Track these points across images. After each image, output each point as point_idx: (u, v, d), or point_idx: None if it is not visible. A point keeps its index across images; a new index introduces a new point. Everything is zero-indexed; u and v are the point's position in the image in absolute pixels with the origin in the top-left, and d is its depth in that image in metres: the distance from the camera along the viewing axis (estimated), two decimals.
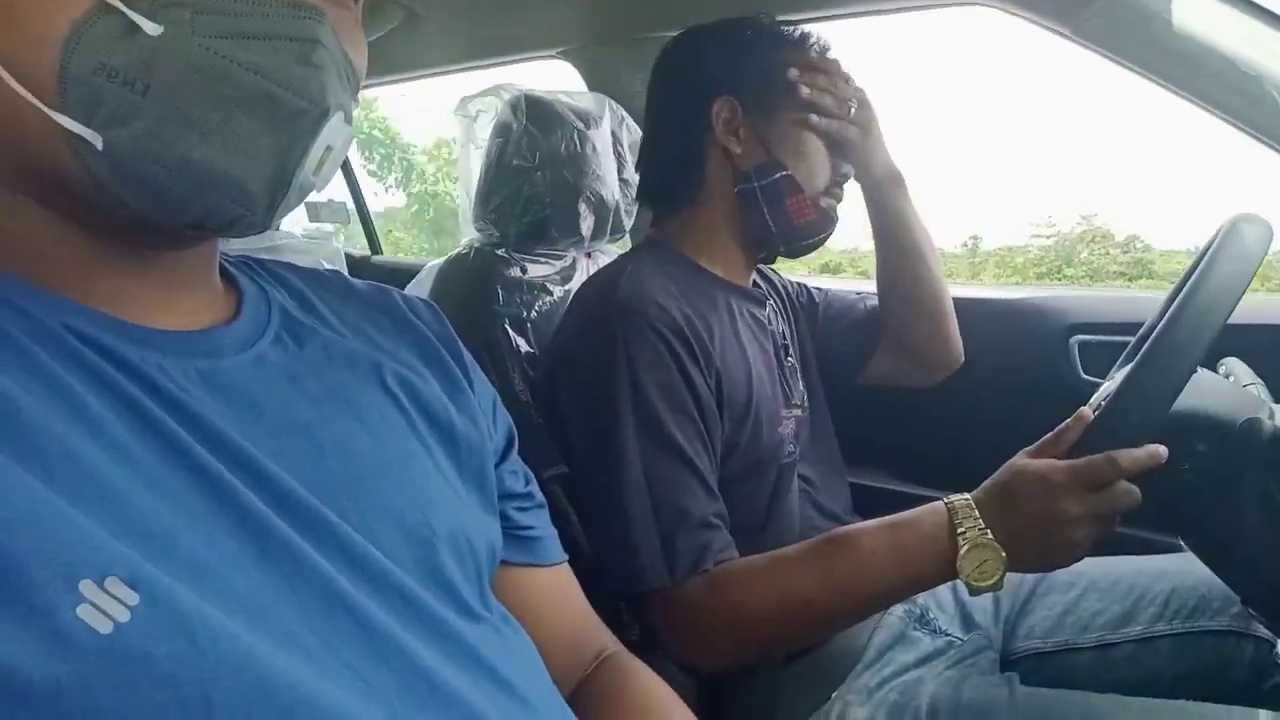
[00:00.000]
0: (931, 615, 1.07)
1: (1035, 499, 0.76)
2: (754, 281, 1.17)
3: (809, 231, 1.08)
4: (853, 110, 1.08)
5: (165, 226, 0.45)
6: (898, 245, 1.20)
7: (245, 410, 0.47)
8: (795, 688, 0.97)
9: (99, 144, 0.40)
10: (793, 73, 1.05)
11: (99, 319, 0.44)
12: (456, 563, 0.54)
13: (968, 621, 1.07)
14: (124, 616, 0.35)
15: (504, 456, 0.67)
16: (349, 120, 0.48)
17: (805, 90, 1.04)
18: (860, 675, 0.97)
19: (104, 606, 0.35)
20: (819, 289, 1.31)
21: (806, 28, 1.09)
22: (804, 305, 1.28)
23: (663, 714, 0.65)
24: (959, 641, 1.04)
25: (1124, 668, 1.00)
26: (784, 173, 1.04)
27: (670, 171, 1.12)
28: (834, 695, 0.95)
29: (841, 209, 1.12)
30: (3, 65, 0.40)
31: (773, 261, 1.21)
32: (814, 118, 1.05)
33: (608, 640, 0.74)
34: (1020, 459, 0.81)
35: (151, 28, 0.40)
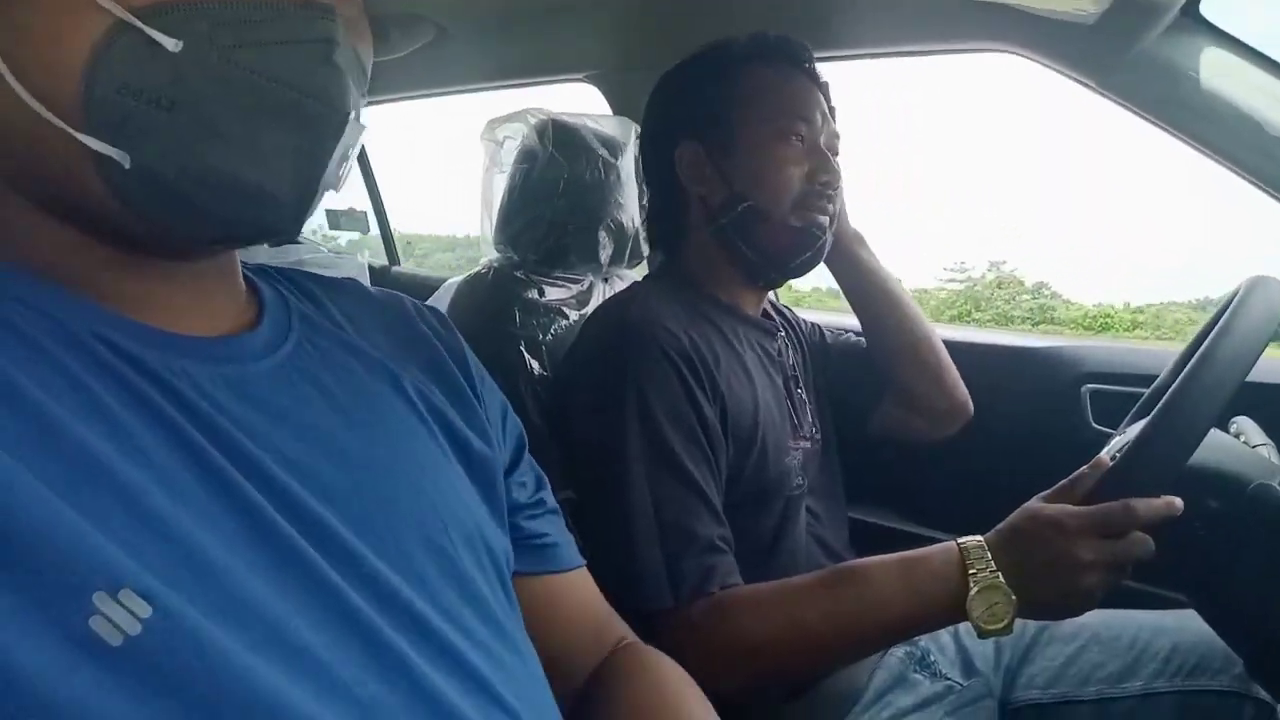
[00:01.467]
0: (932, 658, 1.06)
1: (1049, 543, 0.76)
2: (766, 312, 1.17)
3: (791, 254, 1.08)
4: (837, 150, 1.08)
5: (194, 239, 0.46)
6: (874, 299, 1.20)
7: (269, 417, 0.48)
8: None
9: (126, 163, 0.41)
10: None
11: (126, 325, 0.45)
12: (478, 569, 0.54)
13: (968, 667, 1.07)
14: (135, 629, 0.36)
15: (514, 465, 0.67)
16: (359, 118, 0.48)
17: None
18: (859, 717, 0.97)
19: (116, 618, 0.35)
20: (832, 331, 1.31)
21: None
22: (816, 345, 1.28)
23: (679, 695, 0.64)
24: (959, 687, 1.03)
25: None
26: (745, 204, 1.04)
27: (657, 218, 1.17)
28: None
29: None
30: (29, 89, 0.40)
31: (778, 286, 1.21)
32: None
33: (626, 632, 0.74)
34: (1035, 503, 0.80)
35: (172, 44, 0.40)
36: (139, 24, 0.40)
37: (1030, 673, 1.08)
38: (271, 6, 0.43)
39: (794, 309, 1.31)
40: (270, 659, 0.40)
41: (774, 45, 1.08)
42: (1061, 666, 1.06)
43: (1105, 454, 0.84)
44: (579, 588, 0.71)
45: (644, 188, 1.37)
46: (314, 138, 0.45)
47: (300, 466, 0.47)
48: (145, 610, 0.36)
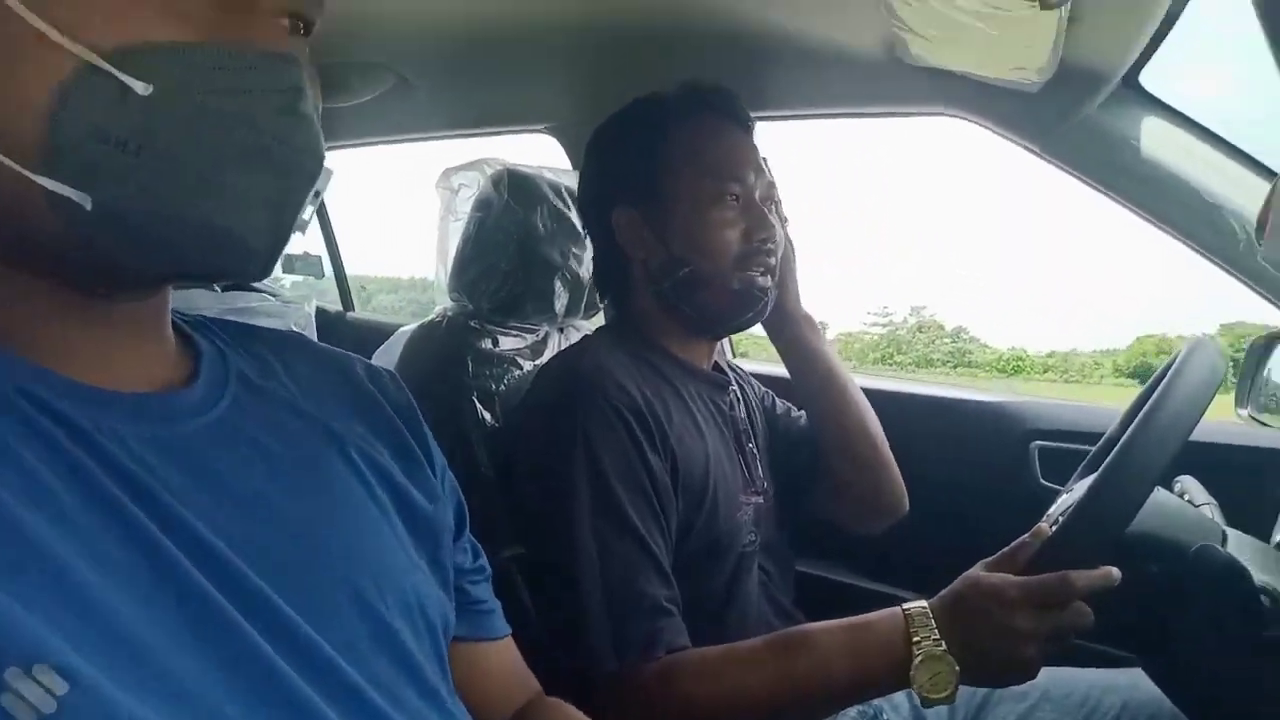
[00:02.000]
0: (885, 717, 1.05)
1: (989, 614, 0.76)
2: (717, 365, 1.17)
3: (734, 314, 1.08)
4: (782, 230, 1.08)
5: (152, 276, 0.45)
6: (817, 386, 1.17)
7: (200, 481, 0.46)
8: None
9: (87, 204, 0.40)
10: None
11: (51, 379, 0.43)
12: (414, 636, 0.53)
13: None
14: (50, 708, 0.34)
15: (459, 530, 0.66)
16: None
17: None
18: None
19: (29, 697, 0.34)
20: (785, 404, 1.29)
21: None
22: (768, 410, 1.26)
23: None
24: None
25: None
26: (686, 270, 1.04)
27: (602, 279, 1.17)
28: None
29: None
30: None
31: (725, 337, 1.20)
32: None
33: (535, 687, 0.73)
34: (976, 572, 0.81)
35: (141, 87, 0.40)
36: (108, 67, 0.39)
37: None
38: (241, 55, 0.42)
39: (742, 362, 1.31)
40: None
41: (704, 99, 1.08)
42: None
43: (1047, 520, 0.85)
44: (506, 655, 0.71)
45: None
46: (287, 184, 0.45)
47: (232, 532, 0.45)
48: (62, 687, 0.34)
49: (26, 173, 0.39)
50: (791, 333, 1.16)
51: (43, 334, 0.45)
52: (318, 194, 0.47)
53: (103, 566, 0.39)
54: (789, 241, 1.15)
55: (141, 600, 0.40)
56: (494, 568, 0.72)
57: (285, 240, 0.46)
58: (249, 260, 0.45)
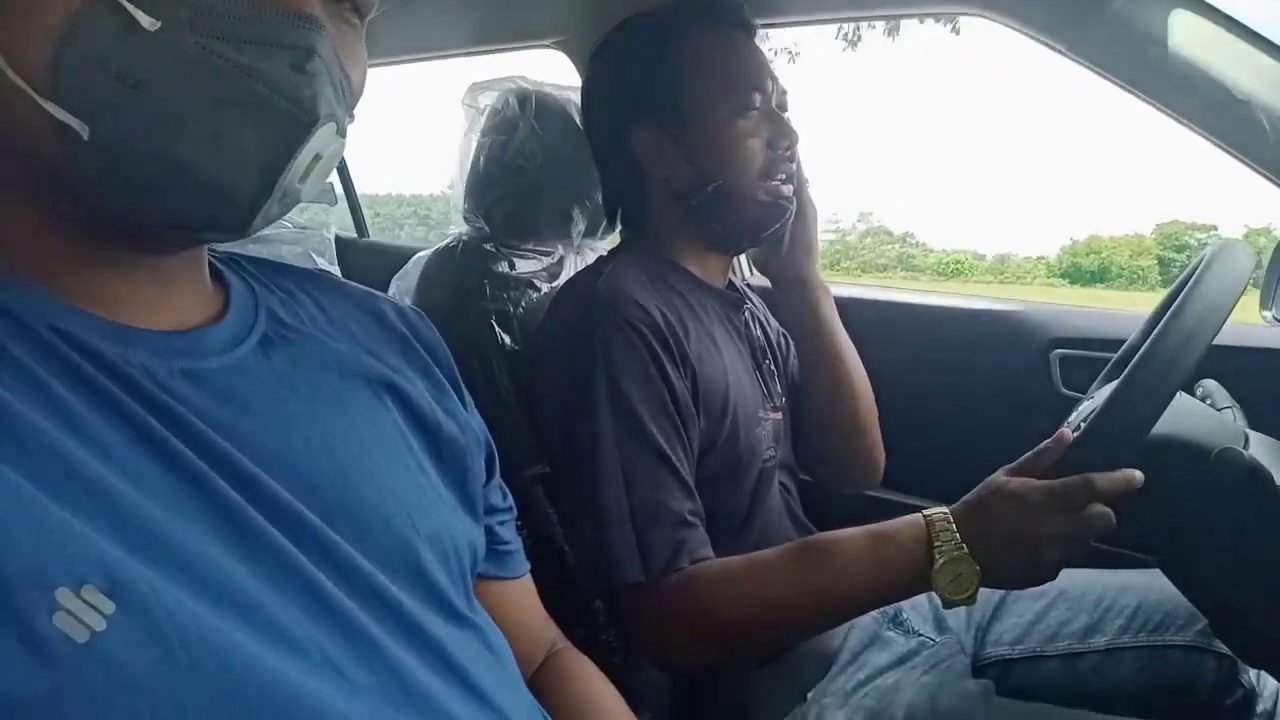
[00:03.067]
0: (905, 616, 1.09)
1: (1011, 518, 0.77)
2: (732, 284, 1.17)
3: (761, 227, 1.08)
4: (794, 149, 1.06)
5: (145, 223, 0.45)
6: (817, 356, 1.16)
7: (229, 411, 0.47)
8: (770, 689, 0.98)
9: (85, 134, 0.40)
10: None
11: (80, 317, 0.44)
12: (441, 564, 0.54)
13: (941, 624, 1.09)
14: (100, 625, 0.35)
15: (489, 469, 0.68)
16: (342, 133, 0.48)
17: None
18: (835, 678, 0.99)
19: (80, 615, 0.35)
20: (793, 344, 1.26)
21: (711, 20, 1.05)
22: (780, 347, 1.24)
23: (596, 710, 0.68)
24: (932, 643, 1.06)
25: (1089, 678, 1.02)
26: (715, 184, 1.03)
27: (616, 199, 1.15)
28: (810, 697, 0.97)
29: None
30: (3, 54, 0.40)
31: (746, 250, 1.20)
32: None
33: (556, 636, 0.76)
34: (999, 476, 0.82)
35: (149, 22, 0.40)
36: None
37: (999, 629, 1.11)
38: (256, 5, 0.42)
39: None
40: (243, 636, 0.40)
41: (713, 7, 1.05)
42: (1029, 623, 1.09)
43: (1069, 425, 0.85)
44: (525, 595, 0.73)
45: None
46: (277, 137, 0.44)
47: (263, 457, 0.47)
48: (109, 606, 0.36)
49: (36, 96, 0.40)
50: (803, 296, 1.15)
51: (73, 277, 0.45)
52: (318, 157, 0.46)
53: (143, 488, 0.41)
54: (811, 203, 1.12)
55: (186, 519, 0.41)
56: (516, 487, 0.74)
57: (268, 195, 0.44)
58: (230, 209, 0.44)
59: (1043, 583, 0.80)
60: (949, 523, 0.80)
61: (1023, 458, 0.83)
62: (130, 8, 0.40)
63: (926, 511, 0.82)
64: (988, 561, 0.78)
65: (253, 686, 0.39)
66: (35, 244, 0.45)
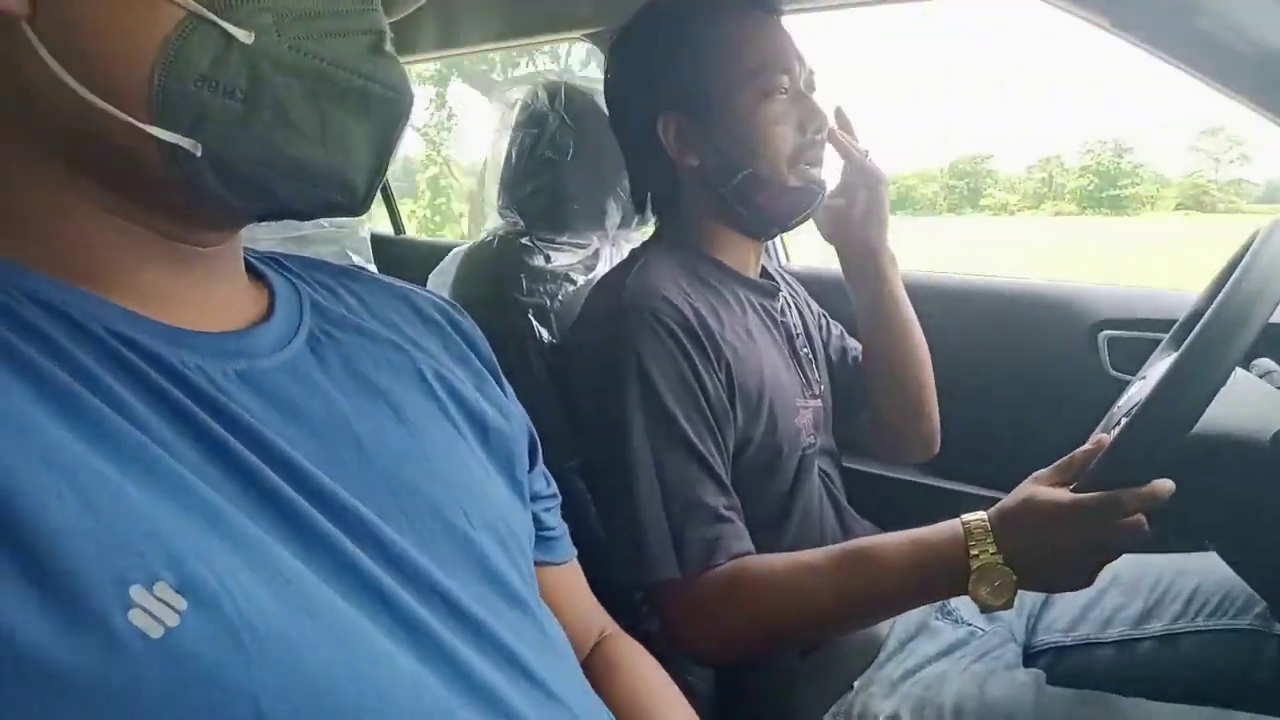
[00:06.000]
0: (953, 605, 1.07)
1: (1042, 530, 0.77)
2: (765, 271, 1.16)
3: (791, 214, 1.06)
4: (822, 131, 1.04)
5: (254, 216, 0.49)
6: (886, 325, 1.14)
7: (283, 411, 0.48)
8: (816, 677, 0.98)
9: (198, 151, 0.42)
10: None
11: (137, 320, 0.45)
12: (501, 550, 0.55)
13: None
14: (173, 621, 0.36)
15: (533, 457, 0.69)
16: None
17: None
18: (883, 666, 0.98)
19: (154, 611, 0.36)
20: (838, 328, 1.28)
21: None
22: (821, 329, 1.24)
23: (649, 698, 0.68)
24: (981, 632, 1.05)
25: (1145, 665, 1.01)
26: (745, 172, 1.01)
27: (645, 188, 1.14)
28: (856, 685, 0.96)
29: None
30: (87, 84, 0.41)
31: (777, 236, 1.19)
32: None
33: (605, 623, 0.76)
34: (1031, 486, 0.81)
35: (245, 35, 0.42)
36: (213, 17, 0.41)
37: (1051, 616, 1.09)
38: (331, 1, 0.45)
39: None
40: (308, 635, 0.40)
41: None
42: (1083, 610, 1.07)
43: (1116, 412, 0.83)
44: (572, 580, 0.74)
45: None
46: (384, 122, 0.47)
47: (318, 457, 0.47)
48: (181, 603, 0.37)
49: (139, 123, 0.41)
50: (872, 267, 1.12)
51: (128, 279, 0.46)
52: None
53: (207, 486, 0.42)
54: (878, 171, 1.10)
55: (248, 516, 0.42)
56: (557, 478, 0.75)
57: (383, 175, 0.48)
58: (352, 197, 0.48)
59: (1080, 588, 0.79)
60: (986, 530, 0.80)
61: (1058, 462, 0.81)
62: (225, 24, 0.41)
63: (965, 518, 0.82)
64: (1023, 570, 0.78)
65: (322, 680, 0.40)
66: (96, 250, 0.46)
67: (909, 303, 1.15)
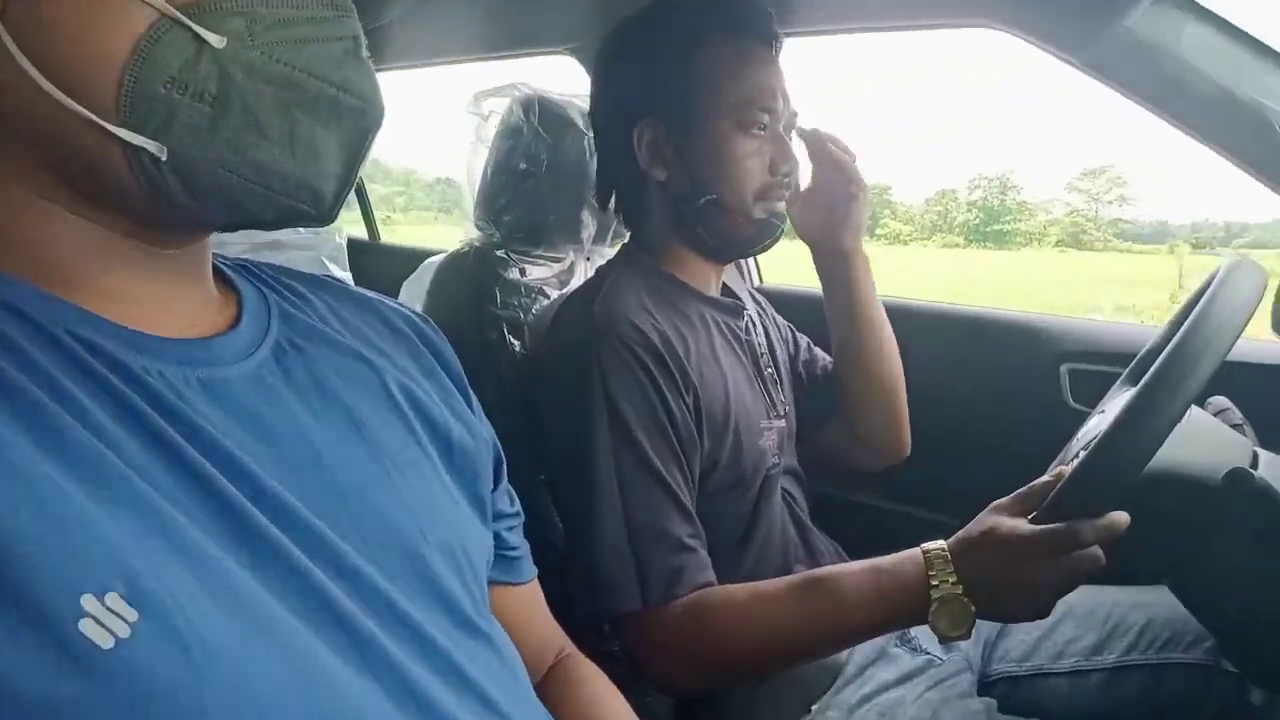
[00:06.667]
0: (912, 633, 1.08)
1: (1002, 560, 0.78)
2: (727, 288, 1.16)
3: (751, 243, 1.07)
4: (792, 132, 1.06)
5: (220, 225, 0.47)
6: (857, 327, 1.15)
7: (243, 421, 0.48)
8: (774, 700, 0.98)
9: (163, 155, 0.42)
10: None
11: (100, 324, 0.45)
12: (453, 572, 0.54)
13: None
14: (124, 632, 0.36)
15: (497, 475, 0.68)
16: None
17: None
18: (840, 691, 0.99)
19: (105, 621, 0.36)
20: (806, 341, 1.29)
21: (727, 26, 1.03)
22: (787, 344, 1.25)
23: (610, 711, 0.69)
24: (939, 661, 1.05)
25: (1096, 695, 1.02)
26: (709, 197, 1.02)
27: (615, 194, 1.14)
28: (814, 709, 0.96)
29: None
30: (55, 83, 0.40)
31: (729, 263, 1.18)
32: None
33: (563, 643, 0.76)
34: (993, 516, 0.81)
35: (216, 39, 0.41)
36: (185, 20, 0.41)
37: (1006, 646, 1.10)
38: (303, 6, 0.44)
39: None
40: (256, 650, 0.40)
41: (739, 15, 1.03)
42: (1037, 640, 1.08)
43: (1074, 443, 0.85)
44: (532, 600, 0.74)
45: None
46: (354, 132, 0.47)
47: (278, 471, 0.47)
48: (132, 615, 0.36)
49: (106, 124, 0.41)
50: (845, 271, 1.13)
51: (91, 280, 0.46)
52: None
53: (160, 496, 0.41)
54: (859, 179, 1.10)
55: (201, 528, 0.42)
56: (524, 493, 0.74)
57: (351, 185, 0.48)
58: (320, 206, 0.47)
59: (1036, 619, 0.80)
60: (946, 561, 0.80)
61: (1019, 491, 0.82)
62: (197, 28, 0.41)
63: (926, 546, 0.83)
64: (981, 599, 0.79)
65: (271, 699, 0.39)
66: (60, 252, 0.45)
67: (880, 304, 1.17)
